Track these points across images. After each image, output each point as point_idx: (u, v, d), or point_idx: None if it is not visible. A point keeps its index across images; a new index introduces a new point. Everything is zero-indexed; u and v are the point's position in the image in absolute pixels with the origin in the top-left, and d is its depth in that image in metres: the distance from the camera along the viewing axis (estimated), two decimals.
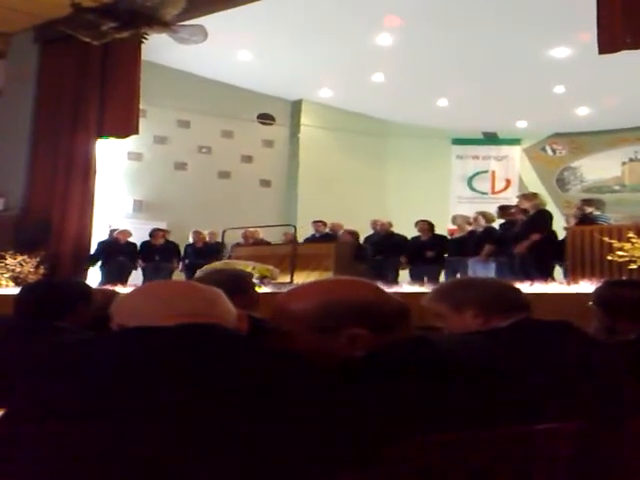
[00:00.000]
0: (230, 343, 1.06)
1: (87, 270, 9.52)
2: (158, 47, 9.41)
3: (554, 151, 13.38)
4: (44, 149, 9.98)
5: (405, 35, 9.83)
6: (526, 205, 7.78)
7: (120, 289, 5.12)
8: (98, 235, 9.94)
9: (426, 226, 8.96)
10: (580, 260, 6.81)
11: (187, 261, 9.50)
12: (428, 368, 1.17)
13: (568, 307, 3.74)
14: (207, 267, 6.78)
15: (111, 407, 0.88)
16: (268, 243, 9.75)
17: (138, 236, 9.84)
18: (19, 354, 1.66)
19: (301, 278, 8.02)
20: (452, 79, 10.94)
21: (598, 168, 12.88)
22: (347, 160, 12.64)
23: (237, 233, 9.78)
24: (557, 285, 5.58)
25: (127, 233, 9.67)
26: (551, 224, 7.69)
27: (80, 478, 0.84)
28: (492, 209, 8.93)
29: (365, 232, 9.54)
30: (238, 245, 9.67)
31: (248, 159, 12.30)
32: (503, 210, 8.56)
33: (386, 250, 8.96)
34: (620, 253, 6.08)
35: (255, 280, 5.94)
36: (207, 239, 9.75)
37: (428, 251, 8.67)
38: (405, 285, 6.80)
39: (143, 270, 9.48)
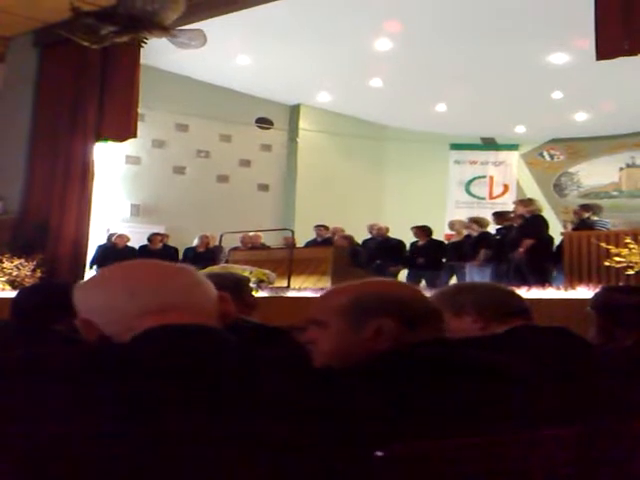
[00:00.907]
0: (205, 351, 0.98)
1: (84, 274, 9.51)
2: (157, 51, 9.41)
3: (552, 156, 13.40)
4: (42, 152, 9.98)
5: (404, 40, 9.85)
6: (522, 210, 7.80)
7: None
8: (96, 239, 9.93)
9: (420, 232, 8.97)
10: (577, 266, 6.82)
11: None
12: (442, 369, 1.18)
13: (566, 313, 3.75)
14: (204, 271, 6.77)
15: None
16: (268, 247, 9.75)
17: (136, 240, 9.83)
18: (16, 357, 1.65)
19: (298, 282, 8.02)
20: (450, 84, 10.96)
21: (596, 174, 12.91)
22: (345, 164, 12.65)
23: (235, 237, 9.78)
24: (554, 291, 5.58)
25: (125, 237, 9.66)
26: (547, 229, 7.70)
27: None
28: (489, 214, 8.95)
29: (362, 237, 9.56)
30: (235, 249, 9.66)
31: (246, 163, 12.31)
32: (498, 216, 8.59)
33: (383, 255, 8.97)
34: (617, 259, 6.10)
35: (252, 284, 5.94)
36: (210, 244, 9.73)
37: (419, 257, 8.69)
38: None
39: None
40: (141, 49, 8.93)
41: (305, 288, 7.35)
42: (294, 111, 12.69)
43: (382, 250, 9.05)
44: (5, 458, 0.85)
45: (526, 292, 5.15)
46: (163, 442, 0.86)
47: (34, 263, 8.83)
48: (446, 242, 9.28)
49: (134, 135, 9.62)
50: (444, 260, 8.76)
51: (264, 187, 12.45)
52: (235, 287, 2.33)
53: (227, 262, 8.90)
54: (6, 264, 8.74)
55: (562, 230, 8.32)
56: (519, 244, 7.44)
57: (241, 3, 8.55)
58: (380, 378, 1.11)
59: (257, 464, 0.86)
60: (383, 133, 13.17)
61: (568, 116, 11.98)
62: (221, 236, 9.32)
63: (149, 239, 9.70)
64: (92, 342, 1.09)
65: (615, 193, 12.70)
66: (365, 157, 12.98)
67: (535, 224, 7.58)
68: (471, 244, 8.29)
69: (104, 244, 9.75)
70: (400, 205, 12.22)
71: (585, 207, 8.14)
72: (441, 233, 9.68)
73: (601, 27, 6.21)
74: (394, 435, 0.99)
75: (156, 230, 10.14)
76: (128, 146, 10.67)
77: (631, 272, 5.98)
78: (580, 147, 13.01)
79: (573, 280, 6.33)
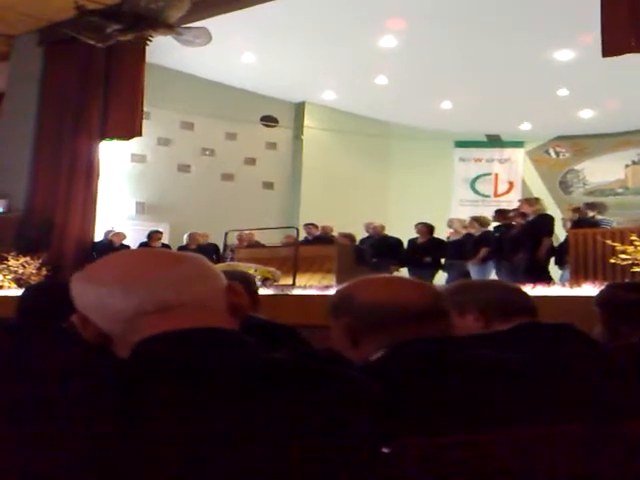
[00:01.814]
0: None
1: None
2: (162, 49, 9.42)
3: (557, 154, 13.36)
4: (47, 151, 10.00)
5: (409, 38, 9.83)
6: (527, 209, 7.80)
7: None
8: (100, 237, 9.95)
9: (424, 229, 8.97)
10: (583, 263, 6.80)
11: None
12: (443, 367, 1.18)
13: (571, 310, 3.74)
14: None
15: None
16: (263, 246, 9.74)
17: (140, 238, 9.84)
18: (22, 356, 1.66)
19: (303, 280, 8.03)
20: (455, 82, 10.94)
21: (601, 171, 12.86)
22: (350, 162, 12.64)
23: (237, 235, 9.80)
24: (560, 288, 5.57)
25: (121, 235, 9.64)
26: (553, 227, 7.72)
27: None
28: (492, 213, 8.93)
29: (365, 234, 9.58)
30: (238, 247, 9.66)
31: (251, 161, 12.31)
32: (500, 214, 8.58)
33: (381, 253, 8.96)
34: (623, 256, 6.08)
35: (257, 282, 5.95)
36: (200, 241, 9.73)
37: (425, 256, 8.68)
38: None
39: None
40: (146, 47, 8.95)
41: (310, 286, 7.35)
42: (299, 109, 12.69)
43: (379, 248, 9.04)
44: (11, 459, 0.85)
45: (531, 290, 5.14)
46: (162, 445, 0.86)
47: (39, 261, 8.86)
48: (447, 240, 9.28)
49: (139, 133, 9.63)
50: (443, 260, 8.77)
51: (269, 185, 12.45)
52: (244, 283, 2.33)
53: (232, 260, 8.91)
54: (12, 262, 8.77)
55: (562, 228, 8.32)
56: (525, 243, 7.43)
57: (246, 1, 8.55)
58: (381, 375, 1.11)
59: (260, 462, 0.86)
60: (388, 131, 13.15)
61: (574, 113, 11.94)
62: (226, 234, 9.33)
63: (149, 237, 9.68)
64: (91, 340, 1.05)
65: (621, 190, 12.66)
66: (370, 155, 12.97)
67: (545, 223, 7.59)
68: (472, 243, 8.30)
69: (100, 241, 9.74)
70: (405, 203, 12.20)
71: (590, 206, 8.13)
72: (445, 231, 9.66)
73: (607, 24, 6.19)
74: (394, 433, 0.99)
75: (161, 228, 10.15)
76: (133, 144, 10.69)
77: (637, 269, 5.96)
78: (586, 144, 12.97)
79: (578, 277, 6.31)
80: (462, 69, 10.42)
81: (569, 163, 13.25)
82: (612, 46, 6.13)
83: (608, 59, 6.29)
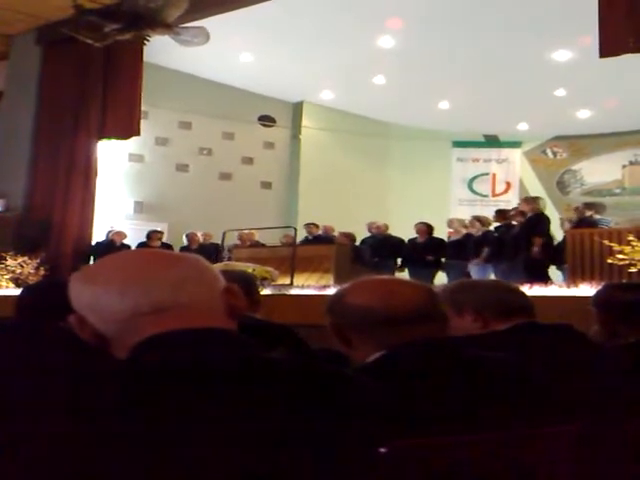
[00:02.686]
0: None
1: None
2: (160, 49, 9.42)
3: (555, 154, 13.38)
4: (45, 150, 9.99)
5: (406, 37, 9.84)
6: (525, 208, 7.81)
7: None
8: (99, 236, 9.94)
9: (424, 228, 8.97)
10: (580, 263, 6.81)
11: None
12: (437, 368, 1.18)
13: (568, 310, 3.75)
14: None
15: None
16: (263, 245, 9.74)
17: (139, 238, 9.83)
18: (19, 355, 1.66)
19: (301, 280, 8.02)
20: (453, 81, 10.95)
21: (598, 171, 12.87)
22: (348, 162, 12.64)
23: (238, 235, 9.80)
24: (557, 288, 5.58)
25: (122, 234, 9.64)
26: (549, 228, 7.71)
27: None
28: (492, 212, 8.94)
29: (365, 234, 9.56)
30: (236, 247, 9.66)
31: (249, 161, 12.31)
32: (500, 214, 8.58)
33: (383, 252, 8.96)
34: (620, 256, 6.08)
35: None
36: (201, 240, 9.74)
37: (427, 255, 8.67)
38: None
39: None
40: (144, 47, 8.94)
41: (308, 286, 7.35)
42: (297, 109, 12.68)
43: (382, 248, 9.05)
44: (9, 457, 0.86)
45: (528, 290, 5.14)
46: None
47: (37, 261, 8.85)
48: (447, 240, 9.28)
49: (137, 133, 9.63)
50: (443, 259, 8.77)
51: (267, 185, 12.45)
52: (243, 284, 2.33)
53: (230, 260, 8.90)
54: (10, 262, 8.76)
55: (560, 227, 8.33)
56: (522, 242, 7.44)
57: (244, 1, 8.54)
58: (380, 376, 1.12)
59: (257, 462, 0.86)
60: (386, 130, 13.15)
61: (571, 113, 11.95)
62: (224, 234, 9.32)
63: (148, 236, 9.68)
64: (88, 341, 1.04)
65: (618, 191, 12.67)
66: (368, 154, 12.97)
67: (540, 222, 7.59)
68: (474, 243, 8.29)
69: (102, 241, 9.75)
70: (403, 203, 12.21)
71: (588, 205, 8.14)
72: (444, 231, 9.67)
73: (605, 24, 6.19)
74: (395, 433, 0.99)
75: (159, 227, 10.15)
76: (131, 144, 10.68)
77: (634, 269, 5.97)
78: (583, 144, 12.98)
79: (576, 277, 6.32)
80: (460, 69, 10.43)
81: (566, 163, 13.26)
82: (609, 46, 6.14)
83: (605, 59, 6.30)
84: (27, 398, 0.89)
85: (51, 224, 9.62)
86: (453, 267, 8.54)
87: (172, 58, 10.50)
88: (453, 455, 1.04)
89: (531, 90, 10.92)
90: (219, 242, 9.55)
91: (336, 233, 9.74)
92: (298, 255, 8.39)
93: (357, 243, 9.33)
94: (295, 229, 9.27)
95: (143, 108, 9.81)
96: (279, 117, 12.58)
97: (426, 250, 8.74)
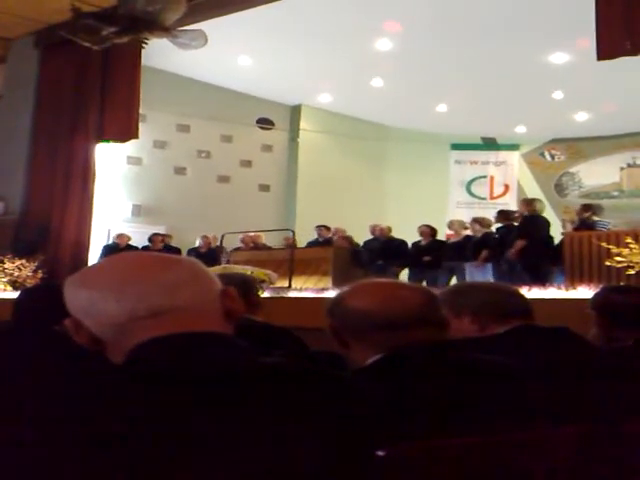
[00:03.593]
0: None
1: None
2: (158, 52, 9.42)
3: (552, 156, 13.40)
4: (44, 153, 9.98)
5: (404, 40, 9.85)
6: (523, 210, 7.83)
7: None
8: (97, 240, 9.93)
9: (428, 230, 8.96)
10: (578, 266, 6.81)
11: None
12: (440, 370, 1.18)
13: (566, 313, 3.75)
14: None
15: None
16: (269, 248, 9.74)
17: (137, 241, 9.84)
18: (17, 358, 1.66)
19: (299, 283, 8.02)
20: (451, 84, 10.96)
21: (596, 174, 12.89)
22: (346, 165, 12.65)
23: (236, 238, 9.78)
24: (555, 290, 5.58)
25: (126, 237, 9.67)
26: (545, 230, 7.68)
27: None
28: (490, 214, 8.94)
29: (363, 237, 9.54)
30: (236, 250, 9.66)
31: (247, 164, 12.31)
32: (502, 215, 8.58)
33: (386, 255, 8.96)
34: (618, 259, 6.09)
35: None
36: (211, 244, 9.76)
37: (426, 256, 8.67)
38: None
39: None
40: (142, 50, 8.93)
41: (306, 288, 7.35)
42: (295, 111, 12.70)
43: (385, 251, 9.04)
44: (4, 460, 0.85)
45: (527, 292, 5.15)
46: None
47: (35, 264, 8.84)
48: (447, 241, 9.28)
49: (135, 136, 9.62)
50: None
51: (265, 187, 12.45)
52: (242, 286, 2.33)
53: (228, 262, 8.90)
54: (7, 265, 8.75)
55: (562, 230, 8.32)
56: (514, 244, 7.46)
57: (242, 4, 8.55)
58: (378, 378, 1.12)
59: (255, 465, 0.86)
60: (384, 133, 13.16)
61: (569, 116, 11.98)
62: (222, 237, 9.32)
63: (150, 239, 9.71)
64: (84, 345, 1.04)
65: (616, 193, 12.69)
66: (366, 157, 12.98)
67: (531, 224, 7.58)
68: (473, 244, 8.29)
69: (109, 244, 9.77)
70: (401, 205, 12.22)
71: (586, 207, 8.14)
72: (442, 233, 9.67)
73: (602, 27, 6.20)
74: (394, 435, 0.99)
75: (157, 230, 10.15)
76: (129, 147, 10.68)
77: (632, 272, 5.98)
78: (581, 147, 13.00)
79: (574, 280, 6.32)
80: (458, 72, 10.44)
81: (564, 166, 13.28)
82: (607, 49, 6.15)
83: (603, 62, 6.31)
84: (23, 401, 0.89)
85: (49, 227, 9.60)
86: (452, 269, 8.54)
87: (170, 61, 10.51)
88: (451, 458, 1.04)
89: (529, 93, 10.94)
90: (217, 245, 9.56)
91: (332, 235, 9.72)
92: (296, 258, 8.40)
93: (360, 245, 9.32)
94: (293, 232, 9.27)
95: (141, 111, 9.80)
96: (277, 120, 12.59)
97: (430, 252, 8.74)
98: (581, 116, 12.06)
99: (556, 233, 7.89)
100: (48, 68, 10.25)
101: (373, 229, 9.53)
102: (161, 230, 10.38)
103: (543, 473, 1.12)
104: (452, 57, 9.96)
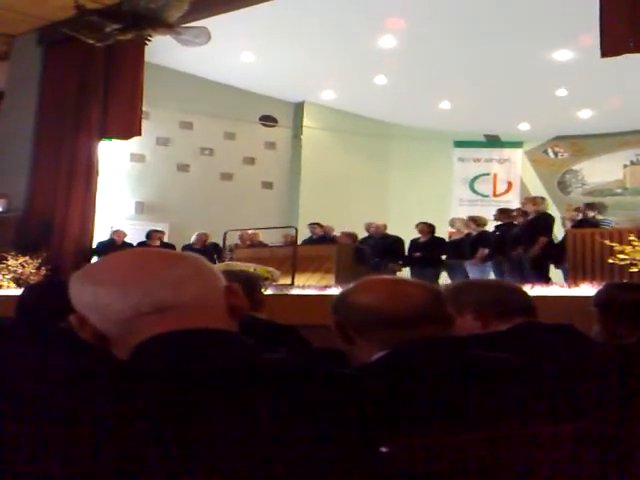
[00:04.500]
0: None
1: None
2: (161, 49, 9.42)
3: (556, 154, 13.37)
4: (47, 150, 9.99)
5: (408, 37, 9.83)
6: (529, 208, 7.81)
7: None
8: (100, 236, 9.95)
9: (426, 228, 8.96)
10: (581, 263, 6.81)
11: None
12: (443, 369, 1.18)
13: (569, 310, 3.74)
14: None
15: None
16: (265, 245, 9.74)
17: (139, 238, 9.84)
18: (21, 356, 1.66)
19: (302, 280, 8.03)
20: (454, 82, 10.94)
21: (600, 171, 12.87)
22: (349, 162, 12.64)
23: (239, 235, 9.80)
24: (558, 288, 5.58)
25: (122, 233, 9.66)
26: (553, 227, 7.73)
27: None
28: (493, 212, 8.93)
29: (365, 234, 9.55)
30: (237, 247, 9.65)
31: (250, 161, 12.31)
32: (502, 213, 8.58)
33: (382, 252, 8.95)
34: (621, 256, 6.08)
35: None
36: (206, 241, 9.74)
37: (426, 254, 8.67)
38: None
39: None
40: (145, 47, 8.93)
41: (309, 286, 7.36)
42: (298, 109, 12.68)
43: (381, 248, 9.03)
44: (8, 459, 0.86)
45: (529, 289, 5.14)
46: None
47: (39, 261, 8.85)
48: (447, 240, 9.27)
49: (139, 133, 9.63)
50: (444, 258, 8.77)
51: (268, 185, 12.45)
52: (246, 284, 2.33)
53: (231, 259, 8.90)
54: (11, 262, 8.76)
55: (562, 227, 8.33)
56: (525, 241, 7.45)
57: (245, 1, 8.55)
58: (381, 375, 1.12)
59: (258, 462, 0.86)
60: (387, 131, 13.14)
61: (572, 113, 11.95)
62: (225, 234, 9.32)
63: (148, 236, 9.67)
64: (89, 341, 1.04)
65: (619, 191, 12.66)
66: (369, 155, 12.96)
67: (544, 222, 7.60)
68: (470, 243, 8.30)
69: (104, 241, 9.75)
70: (404, 203, 12.21)
71: (590, 206, 8.14)
72: (445, 231, 9.66)
73: (606, 24, 6.19)
74: (396, 432, 0.99)
75: (160, 227, 10.15)
76: (132, 144, 10.68)
77: (635, 269, 5.97)
78: (584, 144, 12.97)
79: (577, 277, 6.32)
80: (461, 69, 10.42)
81: (567, 163, 13.25)
82: (611, 46, 6.13)
83: (607, 59, 6.29)
84: (28, 399, 0.89)
85: (52, 224, 9.62)
86: (454, 267, 8.54)
87: (173, 58, 10.51)
88: (454, 454, 1.04)
89: (532, 90, 10.92)
90: (220, 242, 9.56)
91: (337, 233, 9.71)
92: (299, 255, 8.40)
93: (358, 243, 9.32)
94: (296, 229, 9.27)
95: (144, 108, 9.81)
96: (280, 117, 12.58)
97: (428, 249, 8.74)
98: (585, 113, 12.03)
99: (558, 231, 7.90)
100: (51, 65, 10.26)
101: (368, 227, 9.51)
102: (164, 227, 10.38)
103: (544, 470, 1.12)
104: (455, 54, 9.94)
